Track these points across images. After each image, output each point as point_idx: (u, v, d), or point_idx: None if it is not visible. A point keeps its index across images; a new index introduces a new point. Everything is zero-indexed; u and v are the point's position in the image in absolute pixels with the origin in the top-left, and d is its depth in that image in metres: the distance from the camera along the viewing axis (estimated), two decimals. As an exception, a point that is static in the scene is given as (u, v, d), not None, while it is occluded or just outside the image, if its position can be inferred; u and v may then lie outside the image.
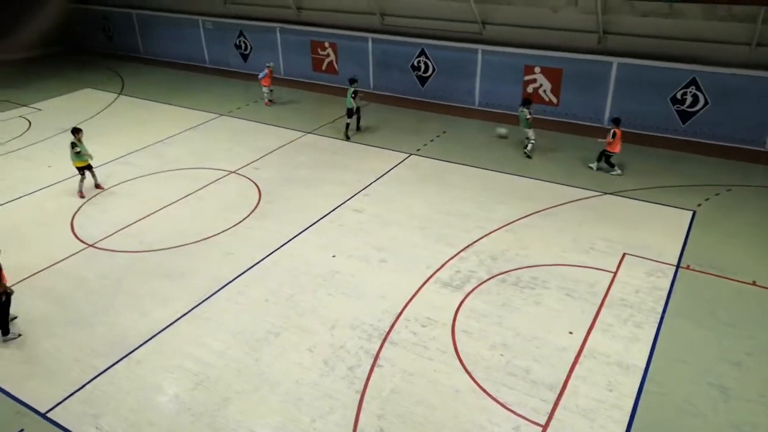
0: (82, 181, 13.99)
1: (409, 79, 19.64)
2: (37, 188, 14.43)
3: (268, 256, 11.25)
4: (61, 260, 11.38)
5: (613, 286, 10.06)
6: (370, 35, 19.86)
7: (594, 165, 14.37)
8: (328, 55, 21.07)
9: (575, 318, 9.36)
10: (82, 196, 13.90)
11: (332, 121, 18.01)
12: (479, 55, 18.07)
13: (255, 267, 10.94)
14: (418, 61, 19.28)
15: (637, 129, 16.12)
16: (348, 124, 16.77)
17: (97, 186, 14.29)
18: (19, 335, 9.53)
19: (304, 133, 17.22)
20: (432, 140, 16.48)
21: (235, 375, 8.49)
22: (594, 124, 16.85)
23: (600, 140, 14.39)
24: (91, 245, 11.87)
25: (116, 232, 12.32)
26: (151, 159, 15.90)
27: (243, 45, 22.99)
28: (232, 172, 14.89)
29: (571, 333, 9.04)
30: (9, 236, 12.35)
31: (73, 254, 11.57)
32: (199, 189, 14.07)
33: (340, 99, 19.82)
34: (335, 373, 8.45)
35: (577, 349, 8.73)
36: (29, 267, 11.17)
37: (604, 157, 14.21)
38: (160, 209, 13.18)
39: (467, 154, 15.49)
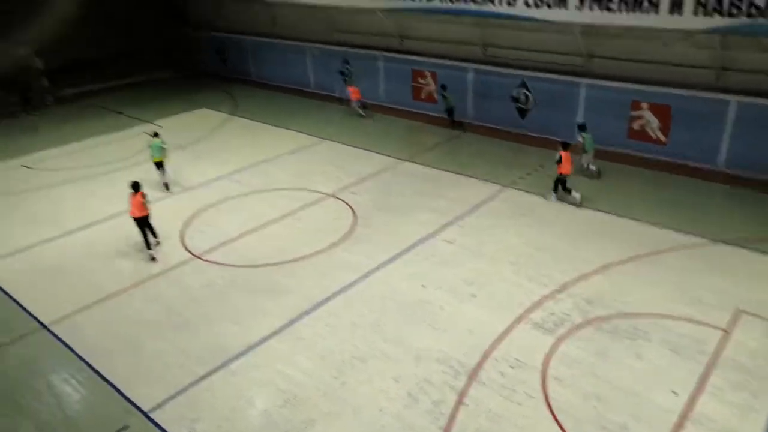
0: (162, 174, 16.06)
1: (509, 110, 19.44)
2: (154, 199, 15.47)
3: (359, 280, 11.44)
4: (171, 268, 12.16)
5: (725, 346, 9.32)
6: (471, 65, 19.90)
7: (552, 196, 14.22)
8: (428, 84, 21.30)
9: (680, 377, 8.73)
10: (167, 188, 16.01)
11: (430, 149, 18.12)
12: (582, 89, 17.60)
13: (346, 290, 11.14)
14: (518, 93, 19.07)
15: (758, 174, 14.97)
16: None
17: (167, 183, 16.21)
18: (153, 258, 12.48)
19: (400, 160, 17.45)
20: (529, 174, 16.17)
21: (321, 396, 8.64)
22: (705, 166, 15.86)
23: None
24: (198, 256, 12.60)
25: (221, 245, 13.01)
26: (257, 177, 16.70)
27: (347, 71, 23.75)
28: (330, 195, 15.31)
29: (675, 393, 8.44)
30: (131, 241, 13.41)
31: (182, 263, 12.34)
32: (298, 209, 14.58)
33: (438, 128, 19.99)
34: (419, 406, 8.39)
35: (682, 412, 8.14)
36: (143, 271, 12.04)
37: (559, 183, 13.97)
38: (262, 226, 13.78)
39: (565, 190, 15.04)
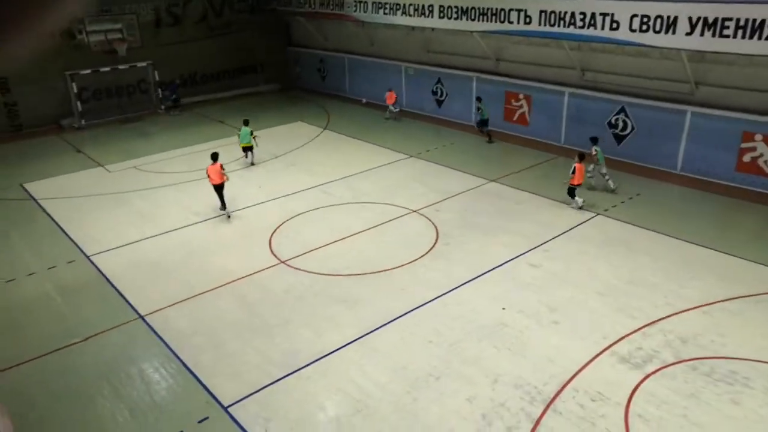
0: (247, 157, 19.19)
1: (605, 136, 18.72)
2: (247, 204, 16.26)
3: (438, 297, 11.31)
4: (257, 271, 12.61)
5: (837, 399, 8.36)
6: (567, 89, 19.41)
7: (574, 203, 14.93)
8: (521, 107, 20.99)
9: (782, 428, 7.92)
10: (252, 164, 19.18)
11: (518, 171, 17.80)
12: (688, 117, 16.64)
13: (424, 306, 11.05)
14: (617, 119, 18.33)
15: None
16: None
17: (253, 161, 19.36)
18: (229, 216, 15.06)
19: (487, 181, 17.23)
20: (623, 201, 15.44)
21: (392, 410, 8.57)
22: (825, 204, 14.47)
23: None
24: (283, 262, 12.99)
25: (305, 253, 13.34)
26: (345, 190, 17.06)
27: (439, 92, 23.88)
28: (413, 211, 15.35)
29: (775, 445, 7.67)
30: (219, 242, 14.11)
31: (267, 268, 12.76)
32: (382, 223, 14.71)
33: (529, 150, 19.62)
34: (492, 430, 8.11)
35: (782, 466, 7.36)
36: (232, 273, 12.56)
37: (569, 191, 14.99)
38: (345, 238, 14.02)
39: (662, 221, 14.22)
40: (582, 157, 15.16)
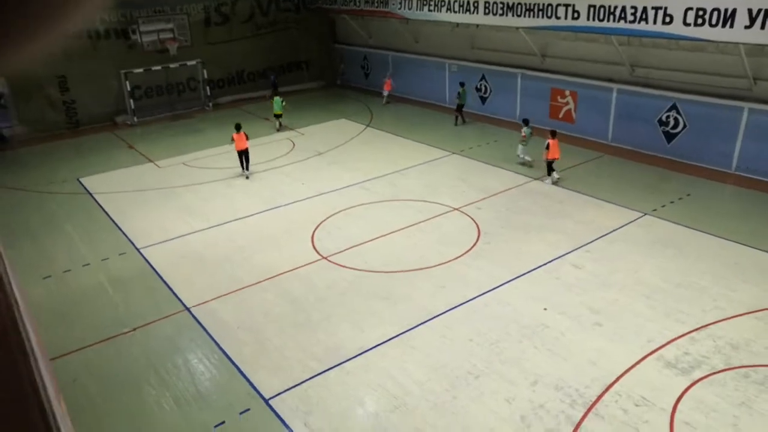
0: (278, 121, 22.87)
1: (654, 133, 18.16)
2: (291, 201, 16.51)
3: (479, 296, 11.23)
4: (300, 266, 12.80)
5: None
6: (615, 86, 18.92)
7: (547, 179, 16.40)
8: (567, 103, 20.60)
9: (840, 442, 7.53)
10: (279, 129, 23.00)
11: (562, 170, 17.47)
12: (745, 114, 15.96)
13: (465, 305, 10.99)
14: (668, 116, 17.75)
15: None
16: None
17: (281, 126, 23.13)
18: (248, 177, 17.92)
19: (530, 179, 16.99)
20: (672, 201, 14.97)
21: (430, 407, 8.57)
22: None
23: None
24: (325, 257, 13.14)
25: (347, 249, 13.46)
26: (386, 187, 17.12)
27: (483, 88, 23.65)
28: (455, 209, 15.28)
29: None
30: (264, 237, 14.37)
31: (310, 263, 12.93)
32: (423, 221, 14.70)
33: (576, 149, 19.25)
34: (531, 431, 8.01)
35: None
36: (276, 267, 12.79)
37: (548, 166, 16.41)
38: (386, 234, 14.07)
39: (713, 222, 13.71)
40: (554, 134, 16.59)
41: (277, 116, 23.30)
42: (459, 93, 22.67)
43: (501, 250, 13.07)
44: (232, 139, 18.26)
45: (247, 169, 18.43)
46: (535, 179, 16.98)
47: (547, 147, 16.48)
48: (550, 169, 16.70)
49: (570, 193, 15.92)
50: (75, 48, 24.33)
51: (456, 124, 22.68)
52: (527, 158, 17.94)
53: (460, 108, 22.77)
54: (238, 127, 18.25)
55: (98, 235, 15.02)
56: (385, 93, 26.69)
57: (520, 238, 13.55)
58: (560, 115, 20.92)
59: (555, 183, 16.42)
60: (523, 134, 17.79)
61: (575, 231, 13.68)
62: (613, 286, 11.34)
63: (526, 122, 18.05)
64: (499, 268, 12.23)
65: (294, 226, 14.99)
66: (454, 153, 19.65)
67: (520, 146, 17.93)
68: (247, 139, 18.26)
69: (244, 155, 18.31)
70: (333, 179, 17.97)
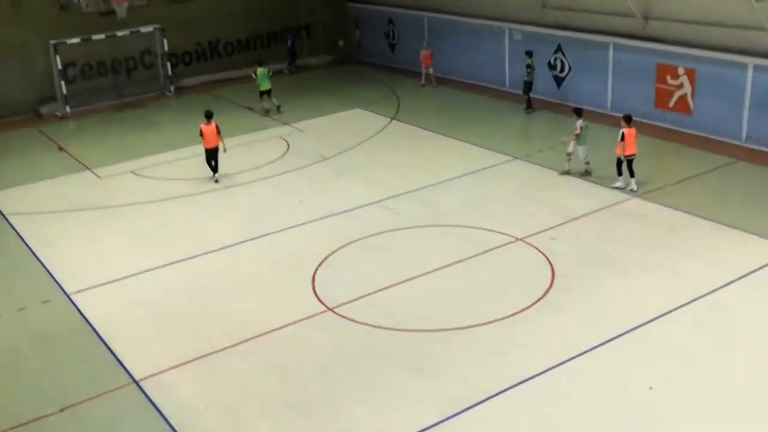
0: (266, 101, 24.20)
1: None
2: (283, 226, 16.55)
3: (551, 368, 11.08)
4: (294, 322, 12.78)
5: None
6: (752, 60, 18.76)
7: (620, 183, 17.23)
8: (680, 86, 20.46)
9: None
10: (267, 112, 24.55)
11: (675, 183, 17.28)
12: None
13: (530, 381, 10.84)
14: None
15: None
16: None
17: (277, 107, 24.54)
18: (217, 181, 18.68)
19: (629, 196, 16.84)
20: (838, 230, 14.71)
21: None
22: None
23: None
24: (331, 309, 13.12)
25: (361, 297, 13.41)
26: (418, 207, 17.09)
27: (559, 64, 23.63)
28: (518, 239, 15.17)
29: None
30: (244, 279, 14.38)
31: (309, 317, 12.91)
32: (472, 256, 14.60)
33: (694, 151, 19.15)
34: None
35: None
36: (259, 323, 12.77)
37: (626, 163, 17.04)
38: (419, 276, 13.99)
39: None
40: (629, 120, 17.06)
41: (265, 93, 24.24)
42: (528, 66, 22.93)
43: (585, 299, 12.87)
44: (201, 133, 18.62)
45: (215, 171, 19.02)
46: (635, 195, 16.80)
47: (622, 138, 16.85)
48: (621, 170, 17.11)
49: (687, 216, 15.70)
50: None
51: (527, 111, 22.96)
52: (585, 163, 18.07)
53: (527, 87, 23.01)
54: (208, 116, 18.82)
55: (12, 275, 15.17)
56: (424, 71, 26.80)
57: (614, 282, 13.36)
58: (671, 104, 20.76)
59: (633, 190, 16.92)
60: (577, 130, 17.87)
61: (696, 272, 13.46)
62: (750, 354, 11.13)
63: (579, 113, 18.19)
64: (582, 326, 12.06)
65: (287, 262, 14.95)
66: (516, 158, 19.55)
67: (571, 145, 18.02)
68: (219, 133, 18.77)
69: (214, 155, 18.86)
70: (343, 196, 17.98)
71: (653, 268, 13.75)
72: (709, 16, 19.78)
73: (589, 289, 13.20)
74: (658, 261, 13.99)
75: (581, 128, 17.82)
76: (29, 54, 26.04)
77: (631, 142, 16.90)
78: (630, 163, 17.06)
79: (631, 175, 17.09)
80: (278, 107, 24.69)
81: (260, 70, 24.20)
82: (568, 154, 18.06)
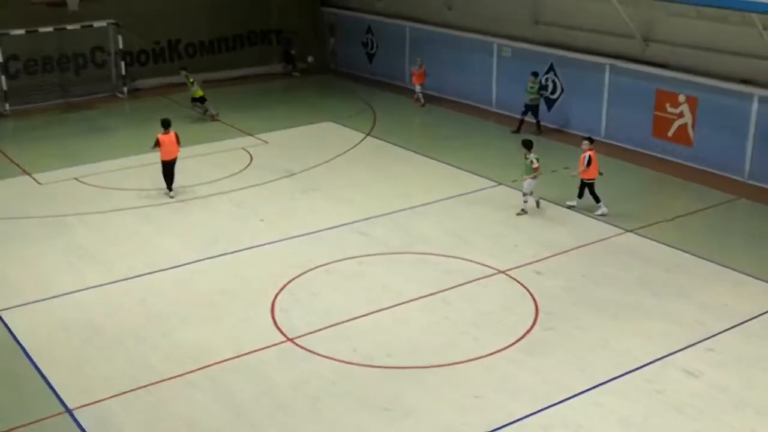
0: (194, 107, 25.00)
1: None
2: (242, 246, 16.50)
3: (534, 414, 11.08)
4: (250, 352, 12.66)
5: None
6: (756, 91, 19.12)
7: (573, 202, 17.97)
8: (681, 115, 20.75)
9: None
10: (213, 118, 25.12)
11: (671, 219, 17.48)
12: None
13: (509, 427, 10.83)
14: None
15: None
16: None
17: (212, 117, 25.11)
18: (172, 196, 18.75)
19: (622, 231, 16.99)
20: (844, 277, 14.96)
21: None
22: None
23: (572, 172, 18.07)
24: (291, 339, 13.03)
25: (325, 327, 13.34)
26: (392, 231, 17.12)
27: (551, 85, 23.89)
28: (500, 272, 15.22)
29: None
30: (196, 302, 14.26)
31: (267, 347, 12.80)
32: (449, 288, 14.61)
33: (694, 186, 19.48)
34: None
35: None
36: (211, 351, 12.65)
37: (587, 188, 17.75)
38: (391, 307, 13.97)
39: None
40: (592, 141, 17.85)
41: (197, 100, 25.31)
42: (541, 87, 23.60)
43: (571, 341, 12.91)
44: (157, 143, 18.54)
45: (171, 185, 19.11)
46: (627, 231, 16.96)
47: (589, 162, 17.45)
48: (583, 192, 17.81)
49: (682, 255, 15.86)
50: None
51: (537, 134, 22.99)
52: (535, 199, 18.15)
53: (530, 109, 23.49)
54: (165, 124, 18.88)
55: (-65, 287, 14.94)
56: (417, 89, 26.93)
57: (603, 324, 13.42)
58: (670, 133, 21.05)
59: (604, 214, 17.54)
60: (534, 165, 17.77)
61: (691, 317, 13.55)
62: (749, 409, 11.18)
63: (528, 145, 18.09)
64: (567, 370, 12.08)
65: (245, 286, 14.87)
66: (501, 184, 19.70)
67: (528, 181, 17.92)
68: (179, 143, 18.79)
69: (171, 168, 18.90)
70: (310, 216, 17.99)
71: (644, 310, 13.85)
72: (714, 42, 20.16)
73: (575, 331, 13.24)
74: (649, 303, 14.09)
75: (537, 160, 17.72)
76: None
77: (595, 165, 17.53)
78: (592, 186, 17.65)
79: (597, 200, 17.67)
80: (207, 111, 25.58)
81: (188, 77, 25.43)
82: (525, 194, 17.96)
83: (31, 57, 27.01)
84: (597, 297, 14.33)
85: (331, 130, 24.48)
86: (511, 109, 25.08)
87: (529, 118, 23.52)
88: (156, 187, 19.37)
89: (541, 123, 23.73)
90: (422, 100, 26.68)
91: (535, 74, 23.21)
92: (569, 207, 17.99)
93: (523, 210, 17.86)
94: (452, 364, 12.29)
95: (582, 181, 17.81)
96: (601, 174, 17.81)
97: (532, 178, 17.73)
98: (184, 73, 26.03)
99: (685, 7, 19.59)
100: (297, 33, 31.18)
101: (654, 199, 18.81)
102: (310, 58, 31.15)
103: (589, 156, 17.49)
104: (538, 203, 18.11)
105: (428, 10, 27.84)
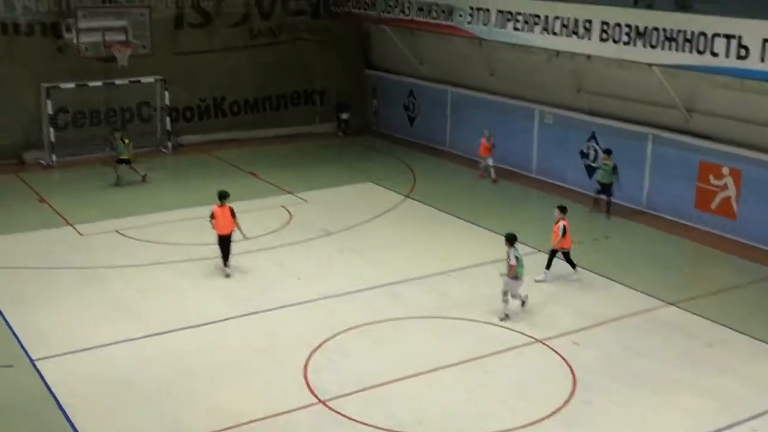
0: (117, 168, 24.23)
1: None
2: (276, 305, 16.50)
3: (569, 490, 10.82)
4: (281, 413, 12.55)
5: None
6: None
7: (542, 276, 17.74)
8: (724, 187, 20.56)
9: None
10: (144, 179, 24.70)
11: (714, 293, 17.20)
12: None
13: (545, 502, 10.58)
14: None
15: None
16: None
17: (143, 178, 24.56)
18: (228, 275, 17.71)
19: (663, 303, 16.74)
20: None
21: None
22: None
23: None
24: (323, 401, 12.90)
25: (360, 391, 13.21)
26: (427, 295, 17.04)
27: (592, 153, 23.83)
28: (538, 341, 15.05)
29: None
30: (228, 359, 14.25)
31: (298, 408, 12.70)
32: (486, 356, 14.45)
33: (737, 260, 19.21)
34: None
35: None
36: (242, 412, 12.56)
37: (564, 257, 17.80)
38: (426, 372, 13.82)
39: None
40: (565, 211, 17.91)
41: (123, 162, 24.57)
42: (601, 166, 22.42)
43: (609, 415, 12.68)
44: (212, 216, 17.72)
45: (227, 261, 17.98)
46: (668, 303, 16.69)
47: (564, 232, 17.50)
48: (551, 263, 17.85)
49: (726, 331, 15.58)
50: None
51: (593, 210, 22.36)
52: (520, 298, 16.16)
53: (604, 189, 22.02)
54: (222, 197, 17.83)
55: (-27, 334, 15.09)
56: (486, 162, 25.32)
57: (642, 398, 13.17)
58: (713, 206, 20.83)
59: (576, 279, 17.76)
60: (511, 262, 15.78)
61: (733, 394, 13.26)
62: (794, 494, 10.84)
63: (510, 240, 16.09)
64: (605, 446, 11.83)
65: (278, 345, 14.84)
66: (539, 251, 19.52)
67: (504, 279, 15.98)
68: (234, 216, 17.72)
69: (227, 243, 17.82)
70: (346, 276, 18.00)
71: (685, 385, 13.57)
72: (758, 115, 20.03)
73: (613, 404, 12.99)
74: (690, 378, 13.81)
75: (516, 258, 15.73)
76: (18, 95, 26.49)
77: (569, 235, 17.60)
78: (568, 254, 17.78)
79: (574, 266, 17.85)
80: (143, 177, 24.92)
81: (119, 138, 24.44)
82: (504, 294, 15.89)
83: (79, 110, 27.63)
84: (636, 370, 14.09)
85: (370, 190, 24.61)
86: (550, 176, 25.09)
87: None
88: (193, 242, 19.52)
89: (583, 191, 23.64)
90: (493, 175, 25.17)
91: (608, 152, 22.19)
92: (538, 281, 17.51)
93: (505, 314, 15.82)
94: (486, 434, 12.11)
95: (552, 251, 17.75)
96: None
97: (512, 278, 15.76)
98: (119, 134, 24.77)
99: (730, 80, 19.52)
100: (350, 104, 31.71)
101: (696, 272, 18.61)
102: (344, 115, 31.43)
103: (563, 226, 17.47)
104: (523, 303, 16.15)
105: (470, 75, 28.08)
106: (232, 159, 27.65)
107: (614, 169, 21.85)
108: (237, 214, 17.85)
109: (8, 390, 13.20)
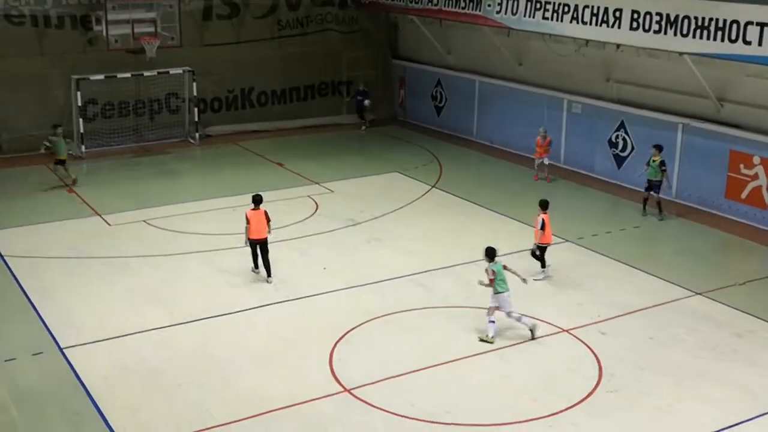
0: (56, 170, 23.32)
1: None
2: (303, 293, 16.62)
3: (593, 479, 10.82)
4: (306, 401, 12.65)
5: None
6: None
7: (540, 275, 17.33)
8: (755, 177, 20.36)
9: None
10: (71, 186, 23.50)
11: (743, 283, 17.05)
12: None
13: (569, 491, 10.58)
14: None
15: None
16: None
17: (73, 182, 23.49)
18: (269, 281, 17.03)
19: (691, 293, 16.63)
20: None
21: None
22: None
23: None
24: (348, 390, 12.98)
25: (383, 379, 13.28)
26: (454, 285, 17.08)
27: (621, 143, 23.68)
28: (564, 330, 15.03)
29: None
30: (255, 348, 14.40)
31: (322, 397, 12.79)
32: (512, 345, 14.47)
33: (765, 249, 18.90)
34: None
35: None
36: (266, 397, 12.71)
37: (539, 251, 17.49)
38: (451, 362, 13.87)
39: None
40: (546, 207, 17.44)
41: (60, 163, 23.49)
42: (649, 162, 21.02)
43: (635, 404, 12.64)
44: (247, 220, 16.95)
45: (268, 271, 17.16)
46: (697, 293, 16.58)
47: (543, 226, 17.11)
48: (543, 259, 17.42)
49: (755, 321, 15.45)
50: (6, 36, 25.88)
51: (660, 218, 20.96)
52: (527, 326, 14.80)
53: (652, 186, 20.99)
54: (257, 201, 17.11)
55: (4, 322, 15.32)
56: (542, 161, 24.19)
57: (667, 388, 13.11)
58: (743, 195, 20.66)
59: (545, 279, 17.34)
60: (489, 276, 14.70)
61: (762, 385, 13.15)
62: (822, 486, 10.75)
63: (490, 254, 14.89)
64: (630, 436, 11.80)
65: (303, 334, 14.96)
66: (567, 240, 19.48)
67: (492, 298, 14.77)
68: (269, 221, 16.99)
69: (260, 247, 17.06)
70: (372, 265, 18.08)
71: (712, 376, 13.49)
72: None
73: (639, 395, 12.94)
74: (718, 369, 13.72)
75: (494, 272, 14.58)
76: (48, 87, 26.90)
77: (548, 230, 17.27)
78: (545, 250, 17.42)
79: (544, 265, 17.47)
80: (74, 180, 23.69)
81: (58, 140, 23.21)
82: (489, 310, 14.76)
83: (108, 101, 27.90)
84: (663, 360, 14.02)
85: (397, 180, 24.64)
86: (579, 165, 24.95)
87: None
88: (221, 232, 19.68)
89: (611, 181, 23.52)
90: (548, 175, 24.25)
91: (659, 147, 20.93)
92: (538, 281, 16.97)
93: (490, 336, 14.58)
94: (510, 424, 12.09)
95: (538, 246, 17.41)
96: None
97: (494, 293, 14.65)
98: (59, 130, 23.59)
99: (762, 68, 19.31)
100: (368, 91, 30.97)
101: (725, 262, 18.46)
102: (366, 102, 30.73)
103: (542, 220, 17.13)
104: (533, 333, 14.72)
105: (498, 65, 28.00)
106: (260, 149, 27.81)
107: (662, 164, 20.80)
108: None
109: (38, 377, 13.41)
